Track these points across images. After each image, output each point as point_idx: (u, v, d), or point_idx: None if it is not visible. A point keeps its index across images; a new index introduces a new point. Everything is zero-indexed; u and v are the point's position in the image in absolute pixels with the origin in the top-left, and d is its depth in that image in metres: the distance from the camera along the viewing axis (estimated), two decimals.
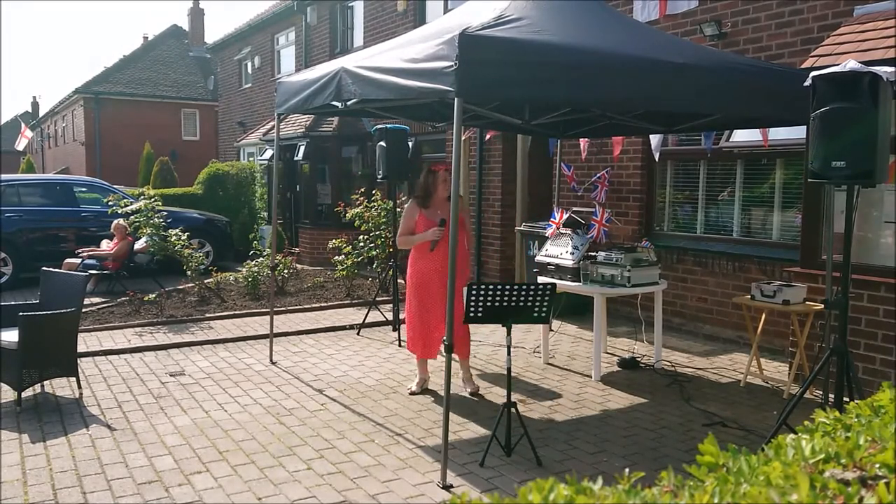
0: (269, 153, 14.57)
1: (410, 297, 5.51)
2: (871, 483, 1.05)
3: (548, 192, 9.57)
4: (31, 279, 9.39)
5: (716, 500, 1.05)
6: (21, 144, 29.03)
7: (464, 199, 5.57)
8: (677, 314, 7.74)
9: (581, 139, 8.09)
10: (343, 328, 7.94)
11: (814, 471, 1.11)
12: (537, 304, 4.34)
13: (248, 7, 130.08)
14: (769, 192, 7.27)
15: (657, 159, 7.73)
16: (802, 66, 5.34)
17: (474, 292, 4.26)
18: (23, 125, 30.99)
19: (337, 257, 9.55)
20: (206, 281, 9.37)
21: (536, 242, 8.09)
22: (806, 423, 1.52)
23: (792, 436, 1.34)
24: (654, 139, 7.55)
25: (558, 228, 6.66)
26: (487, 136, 9.97)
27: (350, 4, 14.90)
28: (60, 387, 5.72)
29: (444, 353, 4.06)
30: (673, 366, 6.36)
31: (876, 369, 5.21)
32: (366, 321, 7.91)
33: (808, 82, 3.90)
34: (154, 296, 8.80)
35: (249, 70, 20.81)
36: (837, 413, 1.55)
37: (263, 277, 9.33)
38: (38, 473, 4.07)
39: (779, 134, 6.73)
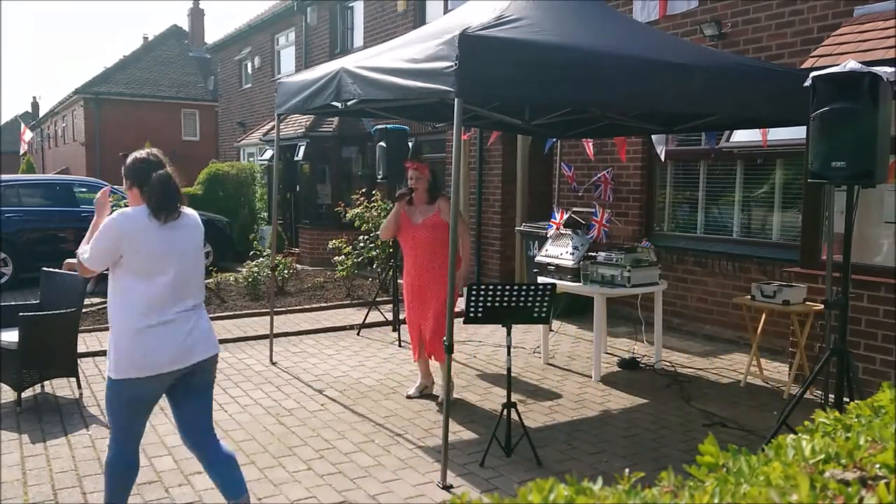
0: (269, 153, 14.57)
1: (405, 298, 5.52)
2: (872, 483, 1.05)
3: (548, 192, 9.57)
4: (31, 279, 9.39)
5: (716, 501, 1.05)
6: (21, 149, 29.06)
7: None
8: (677, 314, 7.74)
9: (584, 139, 8.09)
10: (343, 328, 7.94)
11: (814, 471, 1.11)
12: (537, 304, 4.34)
13: (248, 7, 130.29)
14: (769, 193, 7.28)
15: (663, 159, 7.70)
16: (802, 67, 5.35)
17: (474, 293, 4.26)
18: (23, 126, 30.98)
19: (337, 257, 9.55)
20: (205, 281, 9.35)
21: (536, 242, 8.09)
22: (806, 423, 1.52)
23: (792, 436, 1.34)
24: (658, 140, 7.53)
25: (558, 229, 6.66)
26: (490, 141, 9.97)
27: (350, 5, 14.91)
28: (60, 387, 5.72)
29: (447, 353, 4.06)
30: (673, 366, 6.36)
31: (876, 369, 5.21)
32: (366, 321, 7.91)
33: (808, 82, 3.91)
34: None
35: (249, 70, 20.81)
36: (837, 413, 1.55)
37: (263, 278, 9.33)
38: (38, 473, 4.07)
39: (779, 134, 6.73)
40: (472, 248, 10.19)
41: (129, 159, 3.20)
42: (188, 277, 3.17)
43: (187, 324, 3.13)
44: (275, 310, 7.34)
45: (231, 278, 9.75)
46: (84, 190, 11.89)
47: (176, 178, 3.16)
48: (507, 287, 4.29)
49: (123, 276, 3.03)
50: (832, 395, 4.12)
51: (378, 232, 9.30)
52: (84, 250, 3.09)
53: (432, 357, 5.35)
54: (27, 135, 29.40)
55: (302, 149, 13.55)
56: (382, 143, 7.63)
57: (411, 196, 5.28)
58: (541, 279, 6.25)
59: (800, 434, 1.37)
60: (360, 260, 9.49)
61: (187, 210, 3.24)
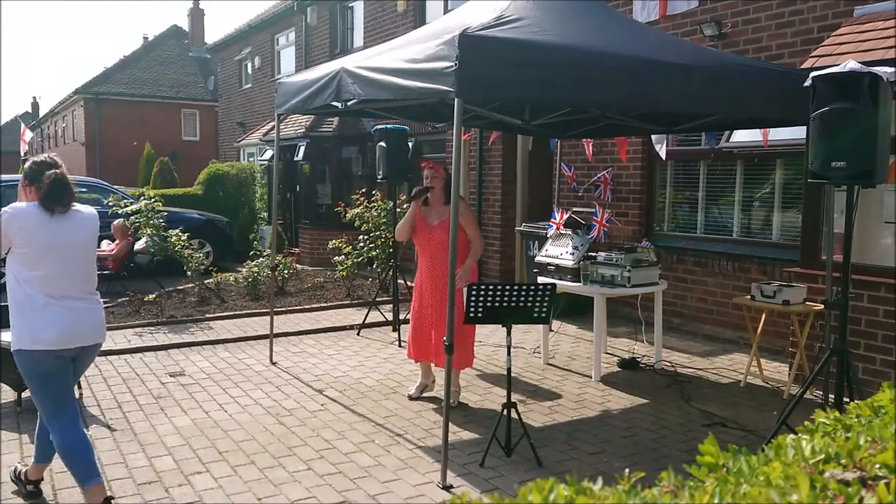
0: (269, 153, 14.57)
1: (412, 298, 5.51)
2: (871, 483, 1.05)
3: (548, 192, 9.57)
4: None
5: (716, 501, 1.05)
6: (21, 149, 29.05)
7: (463, 199, 5.32)
8: (677, 314, 7.74)
9: (584, 139, 8.08)
10: (343, 328, 7.94)
11: (814, 471, 1.11)
12: (537, 304, 4.34)
13: (248, 7, 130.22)
14: (769, 193, 7.28)
15: (664, 158, 7.66)
16: (802, 67, 5.35)
17: (474, 292, 4.26)
18: (23, 126, 30.97)
19: (337, 258, 9.55)
20: (206, 281, 9.37)
21: (536, 242, 8.09)
22: (806, 423, 1.52)
23: (792, 436, 1.34)
24: (658, 140, 7.51)
25: (558, 229, 6.66)
26: (490, 140, 9.97)
27: (350, 5, 14.91)
28: None
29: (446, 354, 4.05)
30: (673, 366, 6.36)
31: (876, 369, 5.21)
32: (366, 321, 7.90)
33: (808, 82, 3.91)
34: (154, 296, 8.80)
35: (249, 70, 20.82)
36: (837, 413, 1.55)
37: (263, 278, 9.33)
38: None
39: (779, 134, 6.73)
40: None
41: (27, 164, 3.52)
42: (75, 267, 3.45)
43: (77, 311, 3.42)
44: (275, 310, 7.34)
45: (231, 278, 9.75)
46: (84, 190, 11.84)
47: (68, 178, 3.48)
48: (507, 287, 4.29)
49: (14, 262, 3.35)
50: (832, 395, 4.12)
51: (378, 232, 9.34)
52: None
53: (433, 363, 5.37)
54: (27, 135, 29.38)
55: (302, 149, 13.55)
56: (382, 143, 7.63)
57: (427, 196, 5.26)
58: (541, 279, 6.25)
59: (800, 434, 1.37)
60: (360, 260, 9.49)
61: (83, 208, 3.54)
